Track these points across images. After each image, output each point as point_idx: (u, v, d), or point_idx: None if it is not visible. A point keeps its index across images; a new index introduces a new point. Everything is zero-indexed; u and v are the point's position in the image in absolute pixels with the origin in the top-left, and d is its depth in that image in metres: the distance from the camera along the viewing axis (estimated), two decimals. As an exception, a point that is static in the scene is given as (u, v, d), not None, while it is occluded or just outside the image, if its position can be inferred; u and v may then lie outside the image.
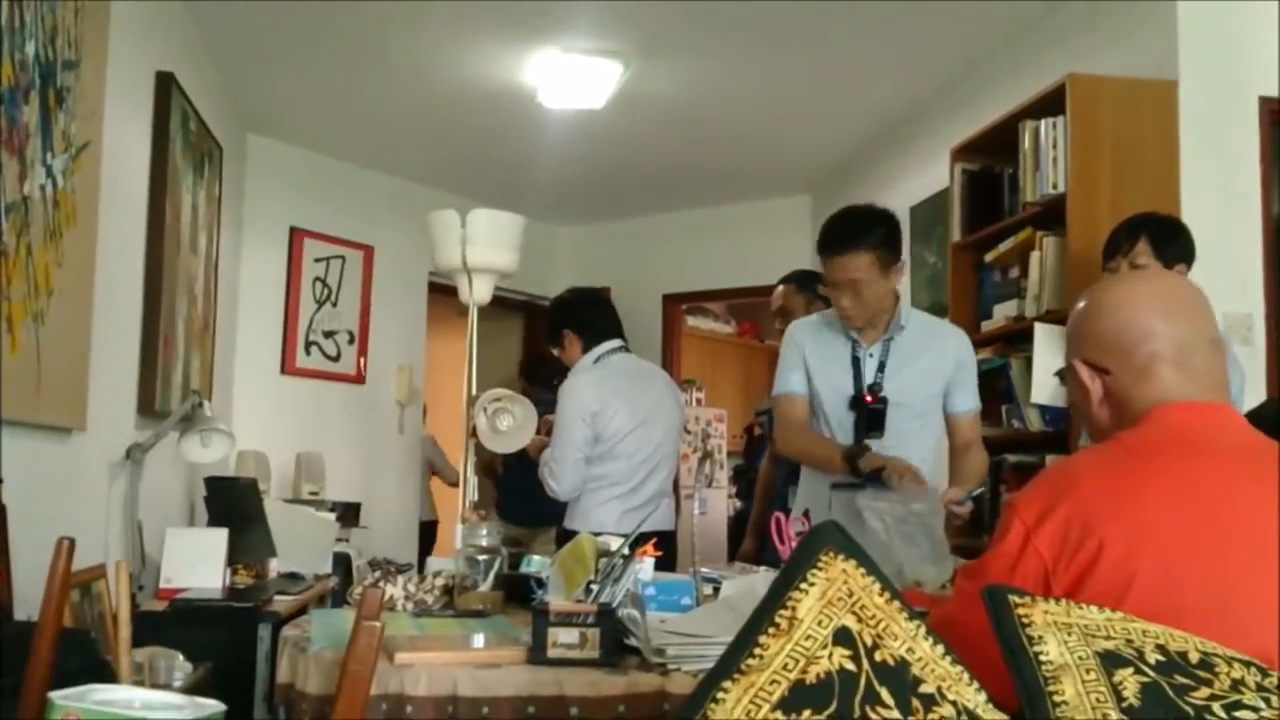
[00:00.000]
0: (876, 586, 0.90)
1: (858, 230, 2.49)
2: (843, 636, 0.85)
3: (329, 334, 5.71)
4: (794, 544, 1.98)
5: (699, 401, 7.44)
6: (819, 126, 5.14)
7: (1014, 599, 0.94)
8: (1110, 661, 0.87)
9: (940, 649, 0.89)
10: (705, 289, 6.76)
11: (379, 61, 4.45)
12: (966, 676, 0.87)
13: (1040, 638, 0.89)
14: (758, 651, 0.85)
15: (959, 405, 2.59)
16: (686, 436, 7.35)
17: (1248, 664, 0.90)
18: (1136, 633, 0.91)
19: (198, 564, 3.25)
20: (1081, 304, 1.38)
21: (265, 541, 3.72)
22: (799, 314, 3.32)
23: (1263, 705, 0.84)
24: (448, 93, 4.75)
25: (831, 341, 2.60)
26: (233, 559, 3.37)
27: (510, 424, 2.52)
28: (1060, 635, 0.89)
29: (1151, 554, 1.10)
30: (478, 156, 5.63)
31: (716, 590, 2.15)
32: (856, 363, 2.56)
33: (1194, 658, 0.89)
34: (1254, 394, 2.89)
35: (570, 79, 4.46)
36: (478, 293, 2.62)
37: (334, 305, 5.73)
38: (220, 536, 3.26)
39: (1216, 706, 0.84)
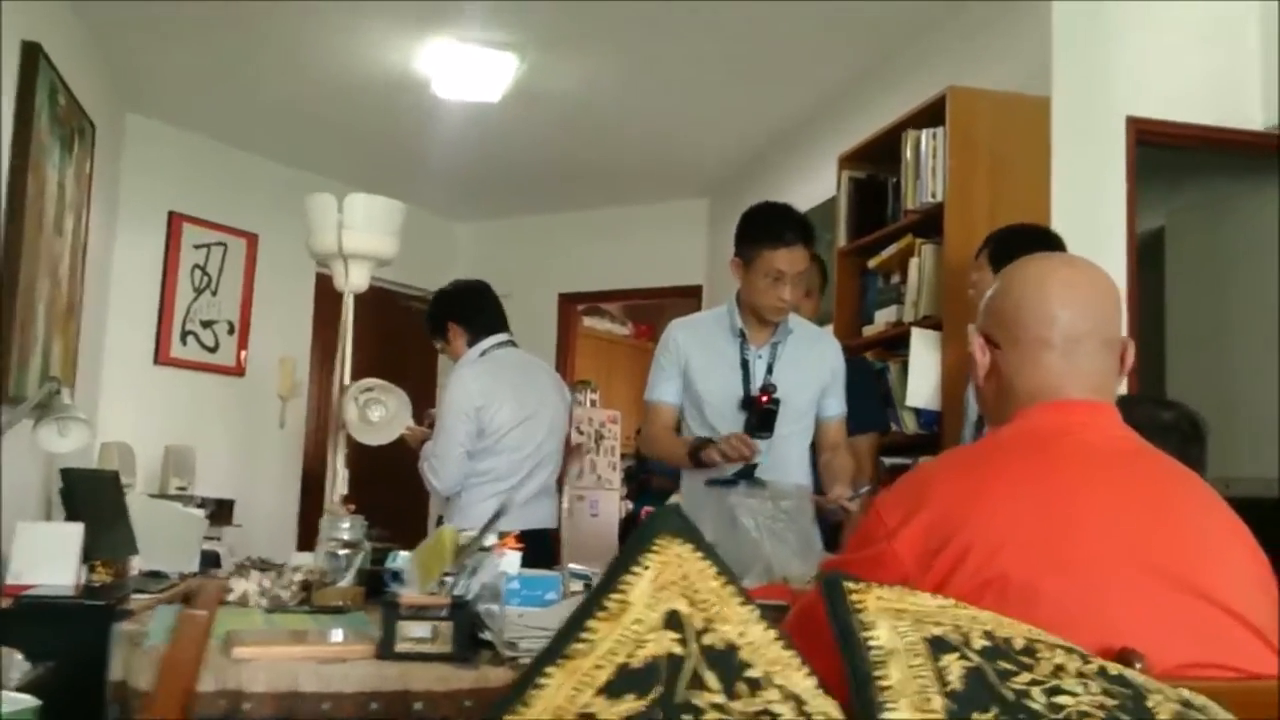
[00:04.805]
0: (712, 570, 0.89)
1: (808, 225, 2.55)
2: (673, 620, 0.83)
3: (207, 324, 5.51)
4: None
5: (593, 403, 7.40)
6: (715, 130, 5.17)
7: (848, 585, 0.94)
8: (938, 647, 0.87)
9: (772, 634, 0.88)
10: (602, 289, 6.75)
11: (267, 42, 4.32)
12: (797, 662, 0.86)
13: (872, 623, 0.89)
14: (586, 636, 0.82)
15: (831, 410, 2.64)
16: (579, 437, 7.31)
17: (1070, 650, 0.92)
18: (966, 619, 0.92)
19: (49, 560, 3.07)
20: (998, 279, 1.37)
21: (126, 538, 3.54)
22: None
23: (1080, 690, 0.86)
24: (339, 78, 4.63)
25: (717, 343, 2.62)
26: (90, 555, 3.20)
27: (382, 415, 2.44)
28: (891, 621, 0.90)
29: (1007, 559, 1.10)
30: (370, 146, 5.51)
31: (588, 586, 2.13)
32: (746, 364, 2.58)
33: (1019, 644, 0.90)
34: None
35: (465, 70, 4.39)
36: (354, 280, 2.54)
37: (214, 294, 5.54)
38: (74, 531, 3.07)
39: (1036, 691, 0.84)
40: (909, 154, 3.36)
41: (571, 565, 2.44)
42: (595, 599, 0.85)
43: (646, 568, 0.86)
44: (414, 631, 1.41)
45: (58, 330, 3.94)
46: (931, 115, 3.30)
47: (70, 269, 4.10)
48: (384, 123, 5.14)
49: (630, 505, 6.87)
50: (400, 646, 1.41)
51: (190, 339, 5.43)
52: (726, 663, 0.81)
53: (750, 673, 0.82)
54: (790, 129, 5.04)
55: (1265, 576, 1.22)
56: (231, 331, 5.60)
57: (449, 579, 1.46)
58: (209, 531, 4.27)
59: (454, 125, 5.06)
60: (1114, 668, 0.91)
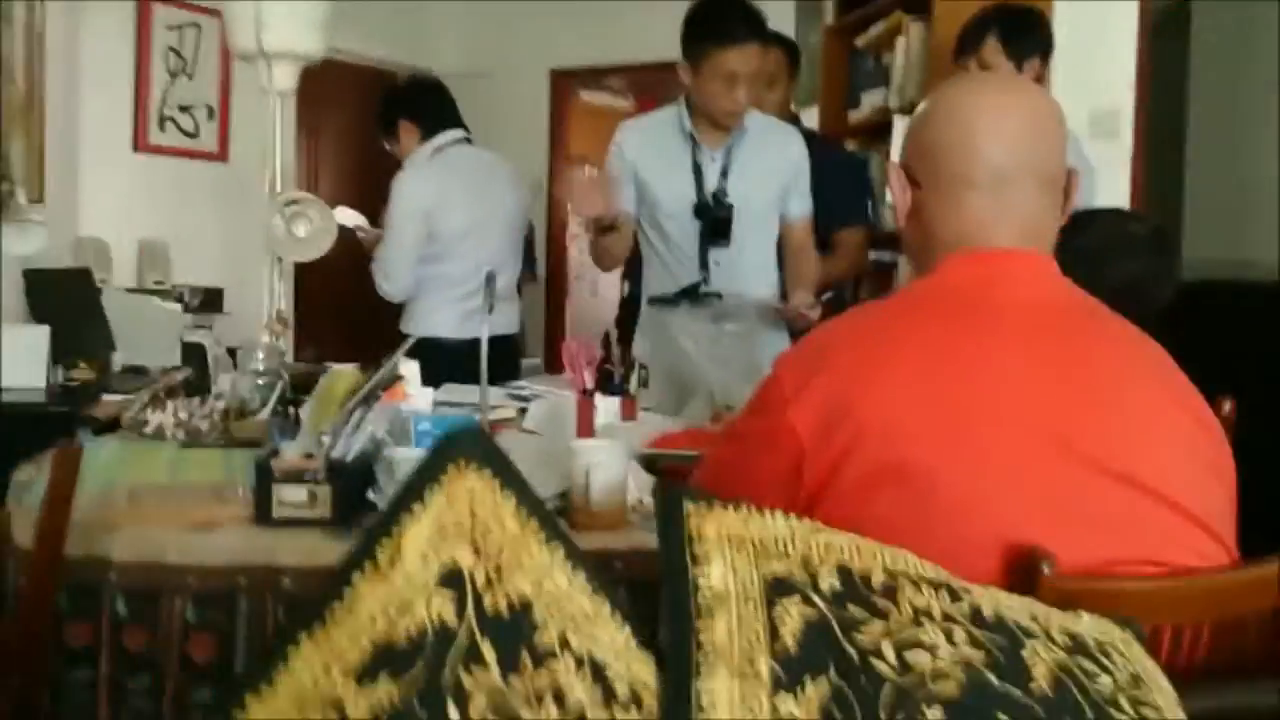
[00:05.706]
0: (511, 505, 0.74)
1: (759, 18, 2.28)
2: (452, 577, 0.70)
3: (185, 108, 5.26)
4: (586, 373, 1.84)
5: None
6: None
7: (689, 504, 0.79)
8: (778, 590, 0.74)
9: (581, 580, 0.74)
10: (597, 64, 6.33)
11: None
12: (607, 611, 0.74)
13: (706, 557, 0.76)
14: (348, 596, 0.70)
15: (795, 210, 2.44)
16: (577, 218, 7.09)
17: (939, 586, 0.78)
18: (819, 548, 0.78)
19: (17, 364, 3.04)
20: (923, 103, 1.19)
21: (101, 335, 3.50)
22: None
23: (941, 641, 0.73)
24: None
25: (668, 146, 2.41)
26: (65, 356, 3.15)
27: (308, 229, 2.27)
28: (729, 555, 0.76)
29: (906, 442, 0.97)
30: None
31: (523, 411, 2.02)
32: (698, 169, 2.37)
33: (878, 580, 0.77)
34: (1113, 191, 2.77)
35: None
36: (279, 81, 2.31)
37: (190, 77, 5.26)
38: (39, 332, 3.03)
39: (886, 645, 0.72)
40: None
41: (519, 383, 2.34)
42: (365, 547, 0.72)
43: (428, 507, 0.72)
44: (290, 496, 1.32)
45: (18, 127, 3.73)
46: None
47: (26, 60, 3.85)
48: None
49: (629, 285, 6.74)
50: (277, 512, 1.32)
51: (169, 124, 5.20)
52: (512, 629, 0.68)
53: (540, 637, 0.69)
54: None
55: (1217, 458, 1.07)
56: (211, 115, 5.35)
57: (325, 438, 1.35)
58: (199, 321, 4.22)
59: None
60: (990, 605, 0.78)
